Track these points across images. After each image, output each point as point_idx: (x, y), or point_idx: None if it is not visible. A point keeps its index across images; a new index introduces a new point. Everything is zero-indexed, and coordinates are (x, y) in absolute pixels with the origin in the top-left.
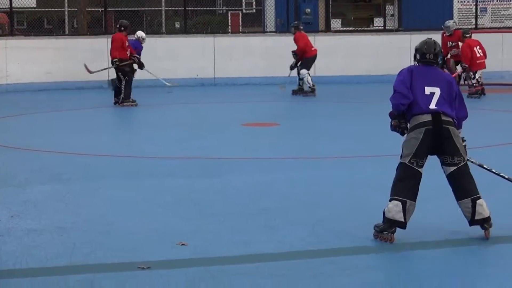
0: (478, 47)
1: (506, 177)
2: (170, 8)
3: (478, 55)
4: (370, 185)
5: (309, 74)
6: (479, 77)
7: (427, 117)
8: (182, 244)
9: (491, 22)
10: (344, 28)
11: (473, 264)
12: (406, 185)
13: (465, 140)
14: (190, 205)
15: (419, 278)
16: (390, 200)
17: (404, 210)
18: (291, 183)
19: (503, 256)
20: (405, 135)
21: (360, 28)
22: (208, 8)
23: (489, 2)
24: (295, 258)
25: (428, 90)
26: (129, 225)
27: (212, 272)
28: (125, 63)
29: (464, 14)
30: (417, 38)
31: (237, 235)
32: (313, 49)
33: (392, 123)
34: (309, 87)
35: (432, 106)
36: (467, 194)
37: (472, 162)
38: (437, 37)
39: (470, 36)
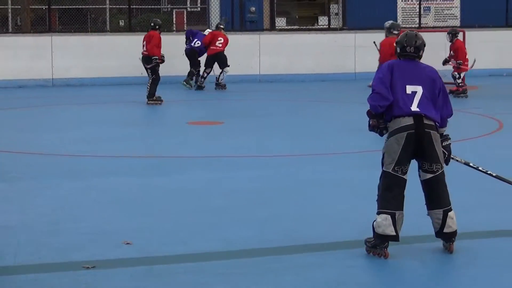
0: None
1: (494, 175)
2: (114, 6)
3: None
4: (318, 183)
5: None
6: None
7: (409, 120)
8: (127, 243)
9: (435, 21)
10: (289, 27)
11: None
12: (392, 195)
13: (449, 138)
14: (135, 203)
15: (366, 275)
16: (378, 213)
17: (394, 223)
18: (237, 181)
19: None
20: (384, 136)
21: (304, 27)
22: (152, 6)
23: (432, 2)
24: (241, 256)
25: (409, 89)
26: (74, 224)
27: (157, 271)
28: (158, 61)
29: (408, 13)
30: (361, 37)
31: (182, 234)
32: (212, 48)
33: (370, 122)
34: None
35: (414, 107)
36: (440, 205)
37: (457, 160)
38: (381, 36)
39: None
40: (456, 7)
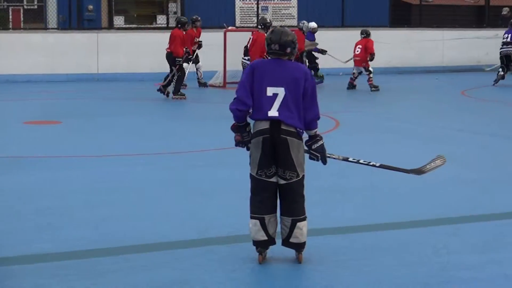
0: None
1: (378, 165)
2: None
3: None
4: (158, 182)
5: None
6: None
7: (265, 124)
8: None
9: (272, 21)
10: (127, 26)
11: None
12: (259, 199)
13: (320, 139)
14: None
15: (209, 275)
16: (251, 218)
17: (264, 227)
18: (73, 182)
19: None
20: None
21: (143, 26)
22: None
23: (270, 1)
24: (79, 257)
25: (270, 91)
26: None
27: None
28: (181, 62)
29: (246, 13)
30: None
31: (20, 235)
32: None
33: (235, 137)
34: None
35: (273, 112)
36: (289, 213)
37: (335, 158)
38: (218, 34)
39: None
40: (293, 6)
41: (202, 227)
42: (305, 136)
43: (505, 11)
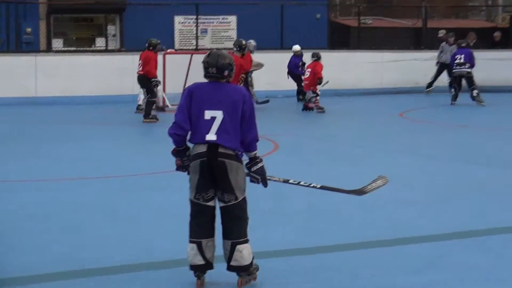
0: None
1: (319, 186)
2: None
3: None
4: (89, 207)
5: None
6: None
7: (203, 148)
8: None
9: (212, 43)
10: (66, 48)
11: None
12: (197, 223)
13: (260, 161)
14: None
15: None
16: (189, 242)
17: (202, 251)
18: (10, 207)
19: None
20: None
21: (82, 48)
22: None
23: (209, 24)
24: (16, 284)
25: (208, 114)
26: None
27: None
28: (158, 82)
29: (185, 35)
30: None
31: None
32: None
33: (176, 162)
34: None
35: (210, 135)
36: (228, 236)
37: (275, 180)
38: (158, 58)
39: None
40: (232, 29)
41: (138, 252)
42: (245, 159)
43: (441, 33)
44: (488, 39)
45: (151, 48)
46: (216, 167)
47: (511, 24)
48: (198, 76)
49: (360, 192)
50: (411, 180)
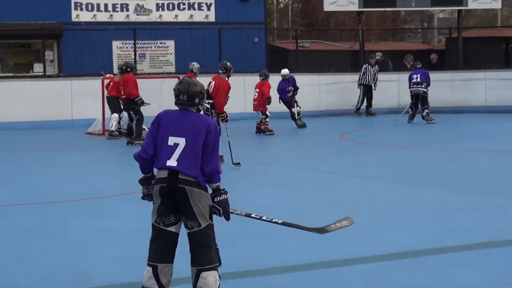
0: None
1: (280, 222)
2: None
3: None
4: (28, 233)
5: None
6: None
7: (164, 174)
8: None
9: (150, 68)
10: (4, 74)
11: None
12: (156, 247)
13: (224, 193)
14: None
15: None
16: (147, 265)
17: (156, 275)
18: None
19: None
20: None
21: (20, 74)
22: None
23: (147, 48)
24: None
25: (172, 140)
26: None
27: None
28: (142, 100)
29: (124, 60)
30: (78, 83)
31: None
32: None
33: (142, 190)
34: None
35: (171, 161)
36: (193, 262)
37: (237, 214)
38: (97, 82)
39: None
40: (170, 53)
41: (78, 277)
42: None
43: (378, 55)
44: (425, 61)
45: (129, 69)
46: (177, 194)
47: (447, 46)
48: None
49: (322, 230)
50: (354, 201)
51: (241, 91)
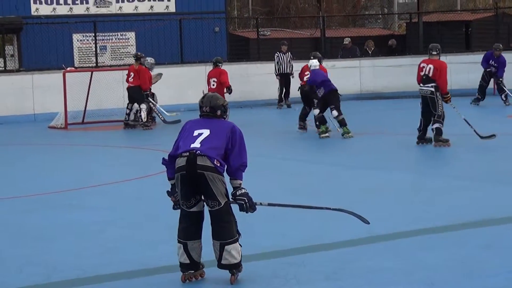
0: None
1: (305, 206)
2: None
3: None
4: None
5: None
6: None
7: (183, 161)
8: None
9: (112, 60)
10: None
11: None
12: (182, 226)
13: (243, 189)
14: None
15: None
16: (177, 242)
17: (187, 251)
18: None
19: None
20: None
21: None
22: None
23: (108, 40)
24: None
25: (196, 132)
26: None
27: None
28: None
29: (85, 53)
30: (39, 77)
31: None
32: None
33: (171, 200)
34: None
35: (195, 144)
36: (217, 237)
37: (261, 204)
38: (58, 76)
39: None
40: (132, 45)
41: (46, 270)
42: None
43: (346, 41)
44: (386, 47)
45: (140, 61)
46: (197, 179)
47: (408, 31)
48: (99, 93)
49: (342, 210)
50: (316, 189)
51: (203, 81)
